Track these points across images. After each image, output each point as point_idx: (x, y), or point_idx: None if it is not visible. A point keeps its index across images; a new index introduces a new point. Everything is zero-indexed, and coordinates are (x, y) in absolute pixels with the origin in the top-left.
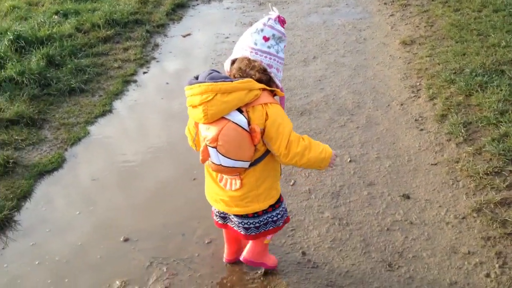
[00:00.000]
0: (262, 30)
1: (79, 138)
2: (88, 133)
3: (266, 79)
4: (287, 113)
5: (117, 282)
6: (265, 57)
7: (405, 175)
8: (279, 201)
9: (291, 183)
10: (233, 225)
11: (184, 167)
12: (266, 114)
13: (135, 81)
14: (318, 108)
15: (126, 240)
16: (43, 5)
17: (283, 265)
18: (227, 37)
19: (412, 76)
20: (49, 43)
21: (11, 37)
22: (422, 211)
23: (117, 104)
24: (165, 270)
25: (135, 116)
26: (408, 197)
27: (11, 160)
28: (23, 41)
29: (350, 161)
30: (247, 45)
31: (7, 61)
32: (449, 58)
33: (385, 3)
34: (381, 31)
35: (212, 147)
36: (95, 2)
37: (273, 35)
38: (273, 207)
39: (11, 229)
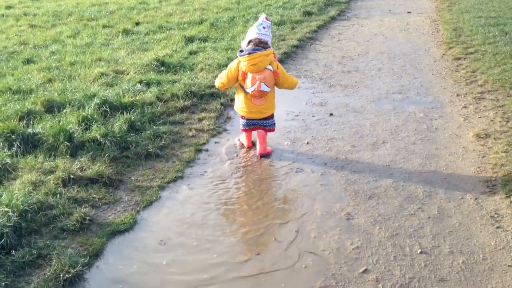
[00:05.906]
0: (261, 24)
1: (151, 201)
2: (160, 197)
3: (267, 47)
4: (354, 195)
5: None
6: (266, 36)
7: (479, 274)
8: (273, 114)
9: (361, 270)
10: (259, 127)
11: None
12: (277, 65)
13: (206, 150)
14: (387, 194)
15: None
16: (128, 74)
17: None
18: (297, 115)
19: (487, 170)
20: (131, 109)
21: (98, 101)
22: None
23: (189, 171)
24: None
25: (205, 183)
26: None
27: (87, 218)
28: (108, 106)
29: (420, 252)
30: (255, 32)
31: (93, 123)
32: None
33: (457, 95)
34: (453, 122)
35: (262, 82)
36: (175, 74)
37: (267, 25)
38: (271, 115)
39: (80, 287)
